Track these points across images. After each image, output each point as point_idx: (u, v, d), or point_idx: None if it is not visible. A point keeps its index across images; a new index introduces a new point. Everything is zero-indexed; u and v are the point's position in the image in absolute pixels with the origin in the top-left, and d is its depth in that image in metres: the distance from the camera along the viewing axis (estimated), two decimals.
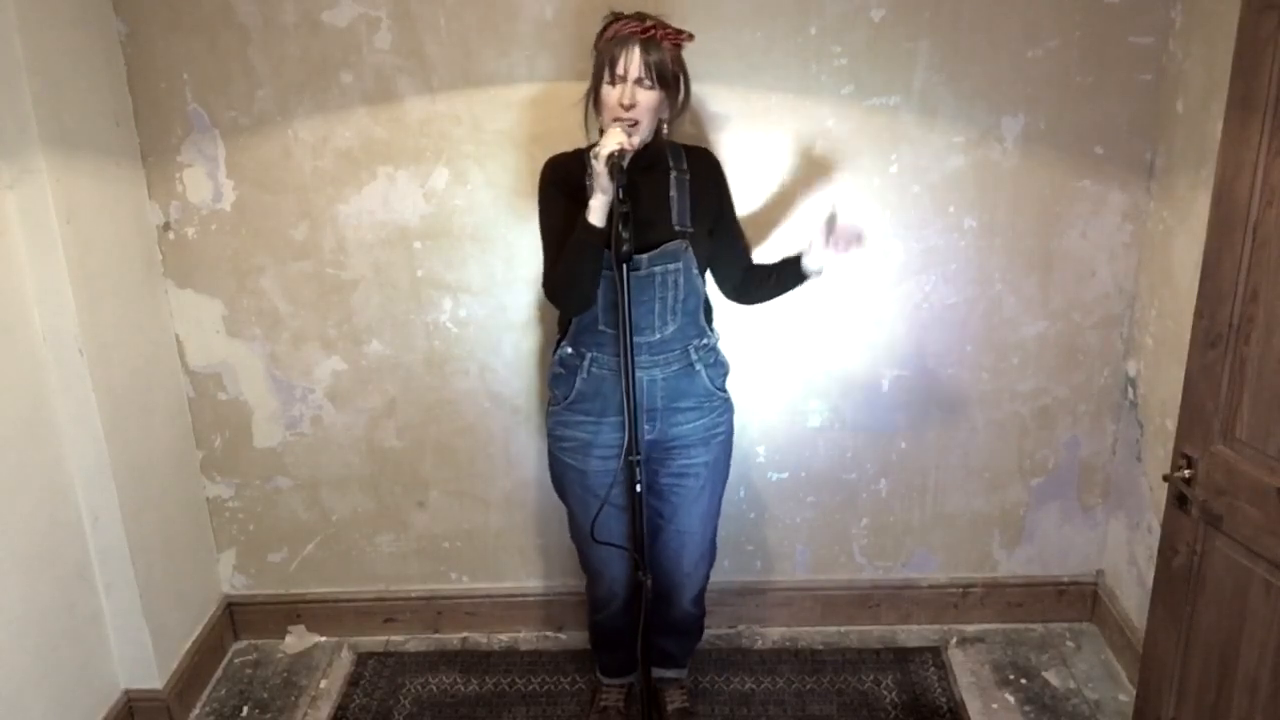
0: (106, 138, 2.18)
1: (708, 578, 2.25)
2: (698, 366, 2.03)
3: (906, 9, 2.17)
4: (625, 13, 1.85)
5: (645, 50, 1.79)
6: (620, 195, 1.70)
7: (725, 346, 2.42)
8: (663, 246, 1.91)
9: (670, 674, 2.38)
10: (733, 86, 2.24)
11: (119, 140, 2.24)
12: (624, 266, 1.75)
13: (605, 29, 1.86)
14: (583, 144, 2.08)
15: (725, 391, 2.12)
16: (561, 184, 1.93)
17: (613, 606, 2.22)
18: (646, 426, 2.00)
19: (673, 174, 1.96)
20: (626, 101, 1.80)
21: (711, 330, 2.09)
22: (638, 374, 1.95)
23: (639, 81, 1.80)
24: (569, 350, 2.01)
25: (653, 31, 1.81)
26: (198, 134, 2.30)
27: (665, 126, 1.93)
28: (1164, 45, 2.20)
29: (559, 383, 2.05)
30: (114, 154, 2.22)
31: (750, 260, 2.13)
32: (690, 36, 1.87)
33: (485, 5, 2.18)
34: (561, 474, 2.11)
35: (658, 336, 1.96)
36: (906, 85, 2.23)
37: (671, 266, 1.93)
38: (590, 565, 2.21)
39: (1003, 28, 2.18)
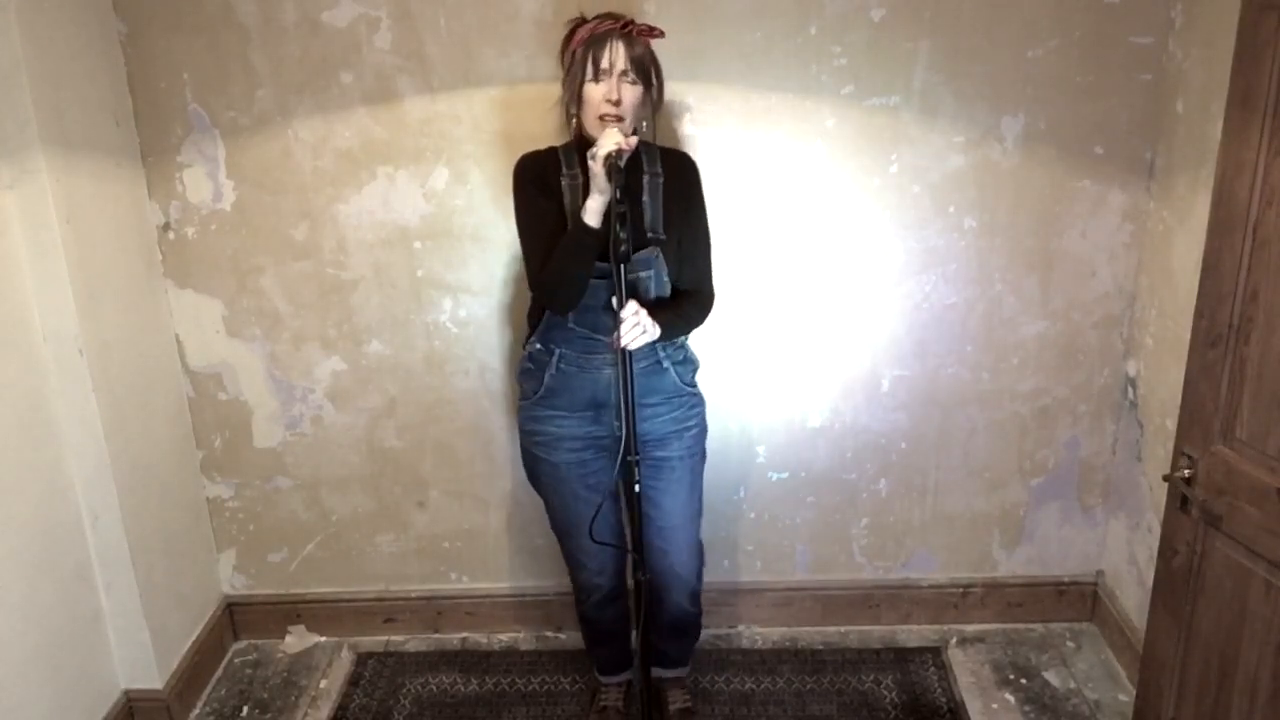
0: (106, 138, 2.18)
1: (701, 576, 2.25)
2: (666, 364, 2.03)
3: (906, 9, 2.17)
4: (587, 16, 1.87)
5: (628, 45, 1.81)
6: (618, 196, 1.70)
7: (727, 345, 2.44)
8: (637, 254, 1.91)
9: (671, 674, 2.38)
10: (733, 86, 2.24)
11: (119, 140, 2.24)
12: (621, 267, 1.75)
13: (574, 32, 1.88)
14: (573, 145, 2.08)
15: (694, 387, 2.11)
16: (537, 181, 1.93)
17: (596, 597, 2.22)
18: (615, 423, 2.00)
19: (645, 177, 1.95)
20: (614, 96, 1.80)
21: None
22: (606, 371, 1.97)
23: (623, 75, 1.81)
24: (538, 346, 2.02)
25: (630, 28, 1.83)
26: (198, 134, 2.30)
27: (644, 126, 1.93)
28: (1164, 45, 2.19)
29: (528, 378, 2.06)
30: (114, 154, 2.22)
31: (698, 285, 2.03)
32: (661, 33, 1.89)
33: (485, 5, 2.19)
34: (533, 467, 2.12)
35: None
36: (906, 85, 2.23)
37: (644, 274, 1.93)
38: (570, 556, 2.21)
39: (1003, 28, 2.18)
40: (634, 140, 1.79)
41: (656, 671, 2.35)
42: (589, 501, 2.05)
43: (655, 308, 1.90)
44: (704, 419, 2.14)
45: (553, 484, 2.09)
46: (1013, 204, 2.33)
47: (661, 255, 1.94)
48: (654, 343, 1.97)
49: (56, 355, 2.08)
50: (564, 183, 1.91)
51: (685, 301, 2.01)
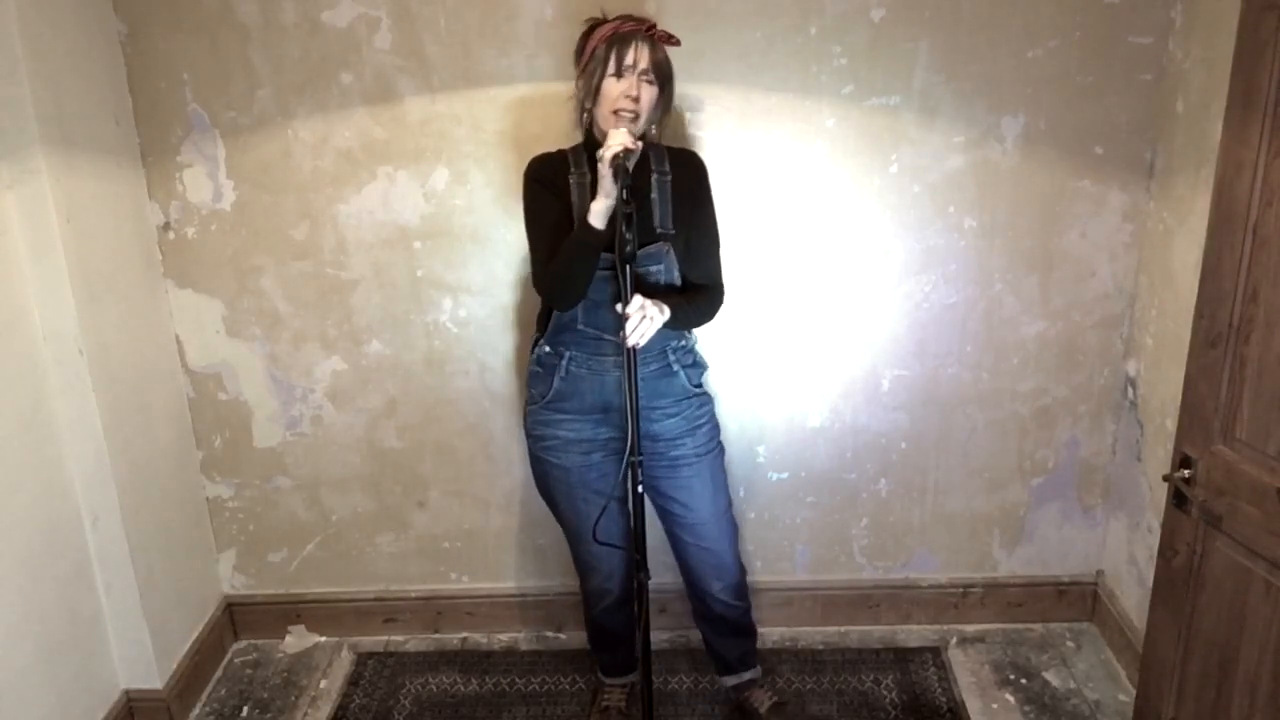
0: (106, 138, 2.18)
1: (741, 567, 2.24)
2: (675, 368, 2.06)
3: (906, 9, 2.17)
4: (608, 17, 1.89)
5: (651, 48, 1.84)
6: (624, 196, 1.71)
7: (726, 345, 2.44)
8: (646, 249, 1.93)
9: (745, 678, 2.34)
10: (733, 87, 2.24)
11: (119, 140, 2.23)
12: (627, 267, 1.76)
13: (592, 30, 1.89)
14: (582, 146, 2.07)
15: (701, 388, 2.13)
16: (547, 182, 1.95)
17: (606, 602, 2.22)
18: (624, 424, 2.01)
19: (654, 176, 1.97)
20: (634, 93, 1.83)
21: (689, 332, 2.10)
22: (615, 373, 1.98)
23: (644, 73, 1.84)
24: (547, 349, 2.02)
25: (654, 31, 1.86)
26: (198, 134, 2.30)
27: (653, 129, 1.96)
28: (1164, 45, 2.20)
29: (537, 381, 2.07)
30: (114, 154, 2.21)
31: (709, 279, 2.05)
32: (678, 41, 1.92)
33: (485, 5, 2.19)
34: (545, 473, 2.12)
35: None
36: (906, 85, 2.23)
37: (654, 269, 1.95)
38: (582, 561, 2.21)
39: (1003, 28, 2.18)
40: (640, 144, 1.80)
41: (730, 680, 2.34)
42: (598, 505, 2.05)
43: (664, 294, 1.93)
44: (714, 415, 2.16)
45: (563, 489, 2.09)
46: (1012, 204, 2.33)
47: (671, 250, 1.96)
48: (664, 344, 2.01)
49: (56, 355, 2.07)
50: (572, 182, 1.92)
51: (696, 293, 2.03)
